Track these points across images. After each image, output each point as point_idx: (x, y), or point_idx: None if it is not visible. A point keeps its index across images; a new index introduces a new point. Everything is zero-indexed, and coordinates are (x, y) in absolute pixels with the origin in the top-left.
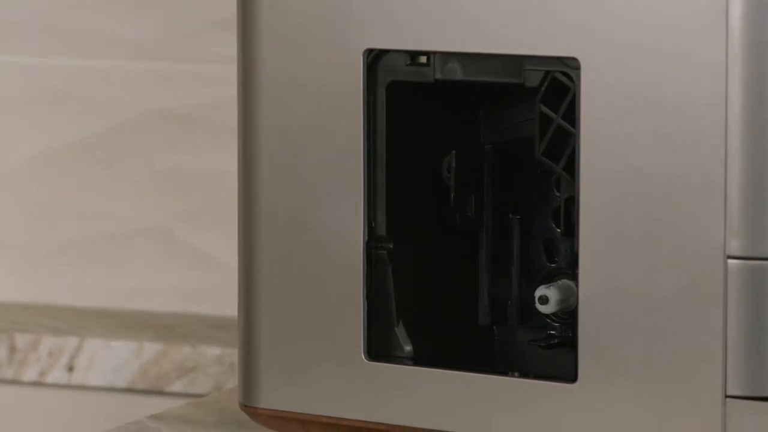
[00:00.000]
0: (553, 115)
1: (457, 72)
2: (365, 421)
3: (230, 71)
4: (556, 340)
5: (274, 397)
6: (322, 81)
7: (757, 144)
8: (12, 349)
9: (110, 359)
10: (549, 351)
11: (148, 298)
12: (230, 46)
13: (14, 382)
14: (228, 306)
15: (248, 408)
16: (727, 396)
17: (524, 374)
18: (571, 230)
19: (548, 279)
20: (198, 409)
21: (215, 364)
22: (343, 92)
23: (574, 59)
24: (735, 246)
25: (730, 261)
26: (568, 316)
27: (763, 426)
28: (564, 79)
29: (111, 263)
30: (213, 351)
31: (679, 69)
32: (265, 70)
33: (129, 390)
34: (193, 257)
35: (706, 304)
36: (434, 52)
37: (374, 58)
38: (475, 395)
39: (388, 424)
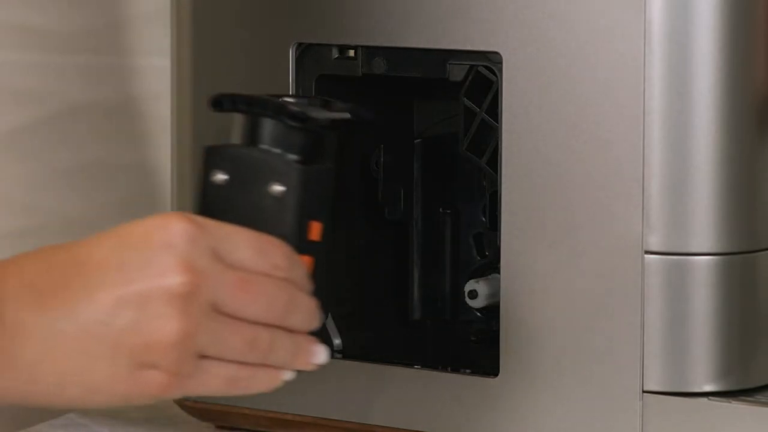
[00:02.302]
0: (476, 109)
1: (382, 66)
2: (292, 414)
3: (159, 64)
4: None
5: None
6: (252, 74)
7: (674, 140)
8: None
9: None
10: (478, 345)
11: None
12: (159, 39)
13: None
14: None
15: (181, 401)
16: (644, 391)
17: (448, 368)
18: (496, 224)
19: (479, 273)
20: (126, 405)
21: None
22: (273, 85)
23: (496, 53)
24: (653, 241)
25: (647, 256)
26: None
27: (679, 421)
28: (487, 73)
29: None
30: None
31: (598, 63)
32: (195, 64)
33: None
34: None
35: (624, 299)
36: (361, 47)
37: (303, 52)
38: (399, 389)
39: (314, 417)
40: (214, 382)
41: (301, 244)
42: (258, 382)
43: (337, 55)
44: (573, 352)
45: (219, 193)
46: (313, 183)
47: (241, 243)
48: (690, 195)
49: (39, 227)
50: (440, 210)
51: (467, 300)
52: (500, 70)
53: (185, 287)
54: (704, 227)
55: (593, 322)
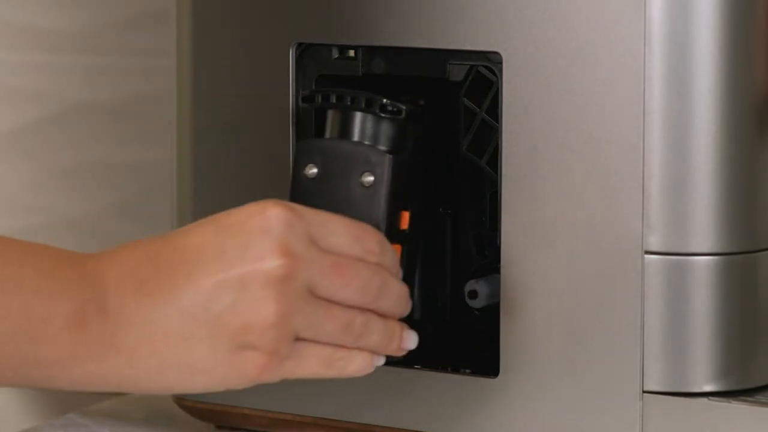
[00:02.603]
0: (476, 109)
1: (382, 66)
2: (292, 414)
3: (159, 64)
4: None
5: None
6: (252, 74)
7: (674, 140)
8: None
9: None
10: (478, 345)
11: None
12: (159, 39)
13: None
14: None
15: (181, 400)
16: (644, 391)
17: (448, 368)
18: (496, 225)
19: (480, 273)
20: (126, 405)
21: None
22: (273, 85)
23: (496, 53)
24: (653, 241)
25: (647, 256)
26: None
27: (679, 421)
28: (487, 73)
29: None
30: None
31: (598, 63)
32: (195, 64)
33: None
34: None
35: (624, 300)
36: (361, 47)
37: (303, 52)
38: (399, 389)
39: (314, 417)
40: (310, 363)
41: (391, 233)
42: (352, 365)
43: (337, 55)
44: (573, 352)
45: (311, 186)
46: (401, 172)
47: (336, 229)
48: (690, 195)
49: (39, 227)
50: (440, 210)
51: (467, 300)
52: (500, 70)
53: (282, 270)
54: (704, 227)
55: (593, 322)
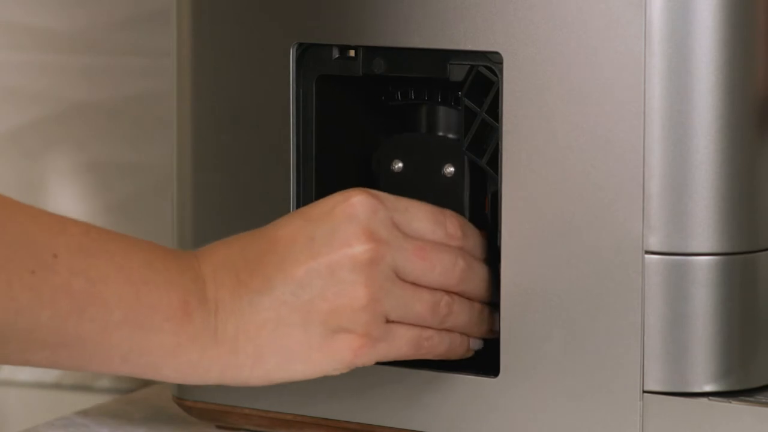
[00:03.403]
0: (477, 109)
1: (382, 66)
2: (292, 414)
3: (158, 64)
4: None
5: (206, 390)
6: (252, 75)
7: (674, 140)
8: None
9: None
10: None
11: None
12: (159, 39)
13: None
14: None
15: (181, 401)
16: (644, 391)
17: (448, 368)
18: (496, 224)
19: None
20: (126, 405)
21: None
22: (273, 86)
23: (496, 53)
24: (653, 241)
25: (647, 256)
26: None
27: (679, 421)
28: (488, 73)
29: None
30: None
31: (598, 63)
32: (195, 64)
33: (56, 386)
34: None
35: (625, 300)
36: (361, 47)
37: (303, 52)
38: (399, 389)
39: (314, 417)
40: (401, 343)
41: (476, 218)
42: (441, 345)
43: (337, 55)
44: (573, 352)
45: (396, 180)
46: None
47: (418, 214)
48: (690, 195)
49: None
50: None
51: None
52: (500, 70)
53: (369, 253)
54: (704, 227)
55: (593, 322)
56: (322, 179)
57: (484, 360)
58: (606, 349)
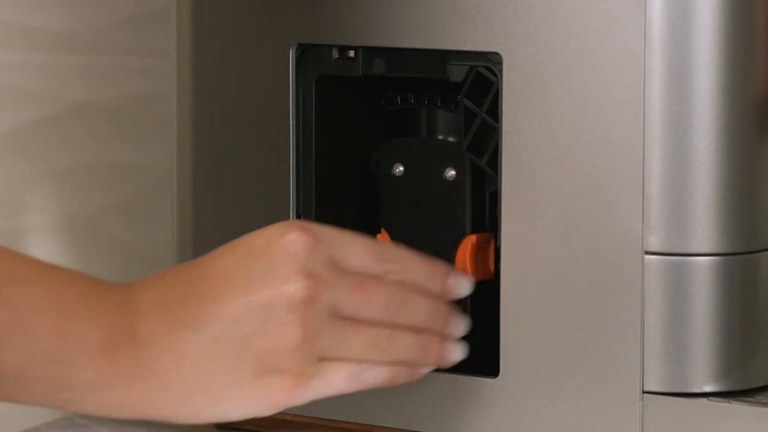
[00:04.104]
0: (477, 109)
1: (382, 66)
2: (292, 414)
3: (159, 64)
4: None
5: None
6: (252, 74)
7: (674, 140)
8: None
9: None
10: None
11: None
12: (159, 39)
13: None
14: None
15: None
16: (644, 392)
17: (448, 368)
18: (496, 224)
19: None
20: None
21: None
22: (273, 86)
23: (496, 54)
24: (653, 242)
25: (647, 256)
26: None
27: (679, 421)
28: (487, 73)
29: (40, 257)
30: None
31: (598, 63)
32: (195, 64)
33: None
34: (122, 250)
35: (624, 300)
36: (361, 47)
37: (303, 52)
38: (399, 389)
39: (314, 417)
40: (337, 379)
41: (477, 222)
42: (379, 377)
43: (337, 56)
44: (573, 352)
45: (398, 184)
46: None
47: (357, 248)
48: (690, 195)
49: (39, 227)
50: None
51: None
52: (500, 70)
53: (305, 292)
54: (704, 227)
55: (593, 322)
56: (322, 179)
57: (484, 360)
58: (606, 349)
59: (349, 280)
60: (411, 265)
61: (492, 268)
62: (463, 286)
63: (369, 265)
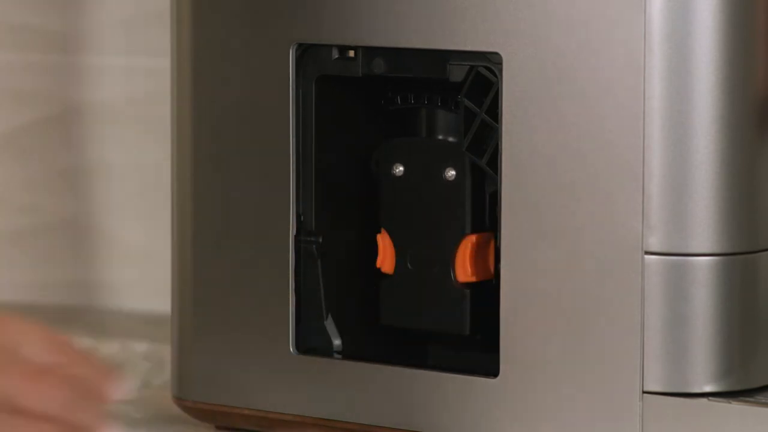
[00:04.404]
0: (477, 109)
1: (382, 66)
2: (292, 414)
3: (158, 64)
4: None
5: (206, 390)
6: (252, 74)
7: (674, 140)
8: None
9: None
10: (476, 346)
11: (73, 292)
12: (159, 39)
13: None
14: (155, 300)
15: (181, 401)
16: (644, 392)
17: (448, 368)
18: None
19: None
20: (126, 405)
21: (144, 360)
22: (272, 86)
23: (496, 54)
24: (653, 242)
25: (647, 256)
26: None
27: (679, 421)
28: (487, 73)
29: (37, 256)
30: (141, 347)
31: (598, 63)
32: (195, 64)
33: None
34: (122, 251)
35: (624, 300)
36: (361, 47)
37: (303, 52)
38: (400, 389)
39: (314, 417)
40: None
41: (477, 222)
42: None
43: (337, 56)
44: (573, 352)
45: (398, 184)
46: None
47: (31, 338)
48: (690, 195)
49: (39, 227)
50: None
51: None
52: (500, 70)
53: None
54: (704, 227)
55: (593, 322)
56: (322, 179)
57: (484, 360)
58: (606, 349)
59: (18, 370)
60: (89, 363)
61: (492, 268)
62: None
63: (42, 354)
